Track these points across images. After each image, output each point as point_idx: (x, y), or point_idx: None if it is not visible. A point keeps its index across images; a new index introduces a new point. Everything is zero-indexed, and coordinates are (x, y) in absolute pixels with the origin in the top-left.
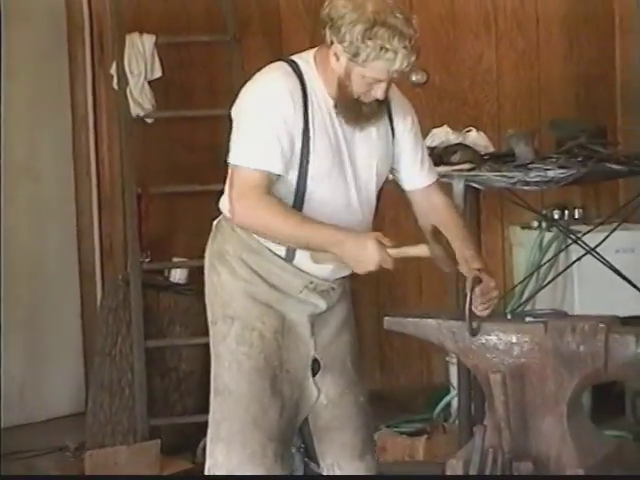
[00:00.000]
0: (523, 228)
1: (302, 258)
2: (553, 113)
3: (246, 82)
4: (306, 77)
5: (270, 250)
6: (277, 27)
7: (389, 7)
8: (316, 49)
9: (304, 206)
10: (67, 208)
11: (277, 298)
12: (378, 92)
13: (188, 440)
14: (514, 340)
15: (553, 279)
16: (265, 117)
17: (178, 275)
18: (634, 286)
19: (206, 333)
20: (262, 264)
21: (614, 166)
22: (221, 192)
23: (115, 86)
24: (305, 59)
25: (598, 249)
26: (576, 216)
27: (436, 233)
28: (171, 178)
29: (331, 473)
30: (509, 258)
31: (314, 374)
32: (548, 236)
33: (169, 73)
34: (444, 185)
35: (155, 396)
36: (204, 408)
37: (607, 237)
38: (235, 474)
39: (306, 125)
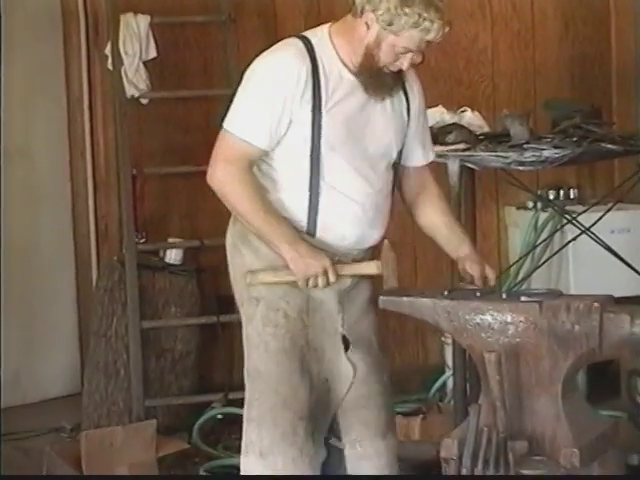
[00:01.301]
0: (518, 208)
1: (324, 232)
2: (548, 93)
3: (241, 62)
4: (318, 53)
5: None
6: (272, 8)
7: None
8: (329, 24)
9: (322, 176)
10: (62, 190)
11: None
12: (404, 62)
13: (184, 421)
14: (509, 320)
15: (548, 259)
16: (265, 93)
17: (173, 256)
18: (629, 266)
19: (201, 314)
20: None
21: (609, 146)
22: None
23: (110, 67)
24: (319, 35)
25: (593, 229)
26: (571, 196)
27: (388, 250)
28: (166, 159)
29: (353, 450)
30: (504, 238)
31: (346, 350)
32: (543, 216)
33: (164, 53)
34: (439, 165)
35: (151, 377)
36: (200, 389)
37: (602, 217)
38: (267, 453)
39: (316, 101)
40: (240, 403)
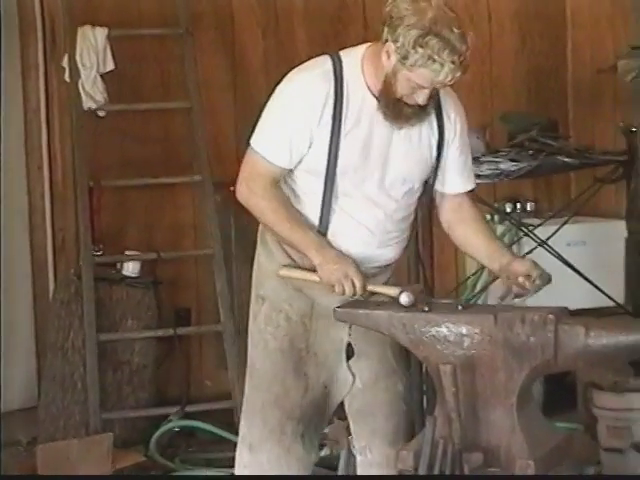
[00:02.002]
0: None
1: (333, 243)
2: (505, 107)
3: (198, 75)
4: (346, 75)
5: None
6: (229, 21)
7: (448, 19)
8: (370, 44)
9: (335, 198)
10: (19, 202)
11: (307, 283)
12: (420, 98)
13: (141, 434)
14: (464, 332)
15: None
16: (287, 115)
17: (130, 268)
18: (585, 278)
19: (158, 326)
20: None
21: (565, 159)
22: None
23: (67, 79)
24: (353, 55)
25: (550, 242)
26: (528, 209)
27: (418, 291)
28: (123, 171)
29: (362, 456)
30: (461, 252)
31: (348, 359)
32: (500, 229)
33: (121, 66)
34: None
35: (108, 390)
36: (157, 401)
37: (558, 230)
38: (256, 447)
39: (335, 123)
40: (197, 416)
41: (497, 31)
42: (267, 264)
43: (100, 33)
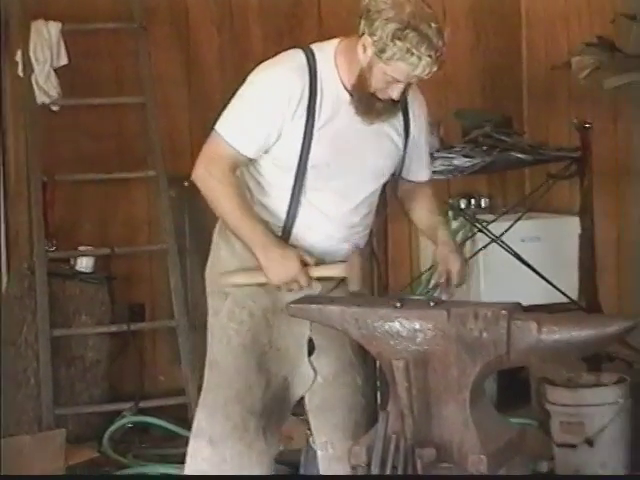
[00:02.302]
0: None
1: (295, 241)
2: (460, 103)
3: (152, 70)
4: (319, 68)
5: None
6: (184, 16)
7: (426, 14)
8: (341, 38)
9: (304, 192)
10: None
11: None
12: (394, 92)
13: (94, 429)
14: (417, 327)
15: None
16: (258, 106)
17: (84, 263)
18: (538, 274)
19: (112, 322)
20: None
21: (519, 155)
22: None
23: (20, 73)
24: (326, 49)
25: (505, 238)
26: (482, 205)
27: (355, 254)
28: (77, 166)
29: (324, 451)
30: (416, 247)
31: (309, 354)
32: (455, 225)
33: (75, 61)
34: None
35: (61, 385)
36: (110, 397)
37: (512, 226)
38: (217, 441)
39: (309, 118)
40: (151, 411)
41: (452, 28)
42: (229, 259)
43: (54, 27)
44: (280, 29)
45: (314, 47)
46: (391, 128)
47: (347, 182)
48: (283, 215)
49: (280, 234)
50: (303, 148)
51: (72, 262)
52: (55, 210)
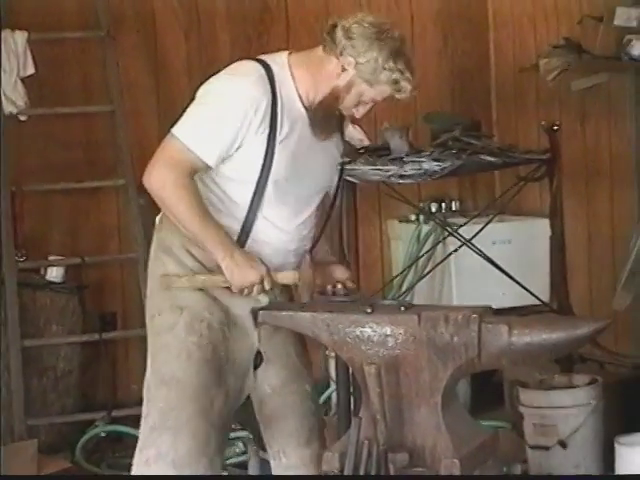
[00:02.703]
0: (401, 221)
1: (252, 250)
2: (429, 107)
3: (120, 78)
4: (278, 83)
5: None
6: (151, 23)
7: (405, 38)
8: (288, 52)
9: (261, 207)
10: None
11: (221, 291)
12: (360, 111)
13: (67, 439)
14: (388, 332)
15: (430, 271)
16: (223, 115)
17: (54, 273)
18: (509, 277)
19: (83, 331)
20: (208, 256)
21: (488, 158)
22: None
23: None
24: (279, 63)
25: (476, 241)
26: (453, 208)
27: (307, 264)
28: (46, 176)
29: (277, 460)
30: (387, 251)
31: (255, 367)
32: (426, 229)
33: (42, 70)
34: None
35: (33, 395)
36: (83, 407)
37: (482, 229)
38: (182, 464)
39: (272, 132)
40: (124, 420)
41: (419, 32)
42: (179, 272)
43: (20, 37)
44: (248, 35)
45: (266, 59)
46: (332, 143)
47: (301, 196)
48: (238, 228)
49: None
50: (265, 162)
51: (42, 272)
52: (24, 220)
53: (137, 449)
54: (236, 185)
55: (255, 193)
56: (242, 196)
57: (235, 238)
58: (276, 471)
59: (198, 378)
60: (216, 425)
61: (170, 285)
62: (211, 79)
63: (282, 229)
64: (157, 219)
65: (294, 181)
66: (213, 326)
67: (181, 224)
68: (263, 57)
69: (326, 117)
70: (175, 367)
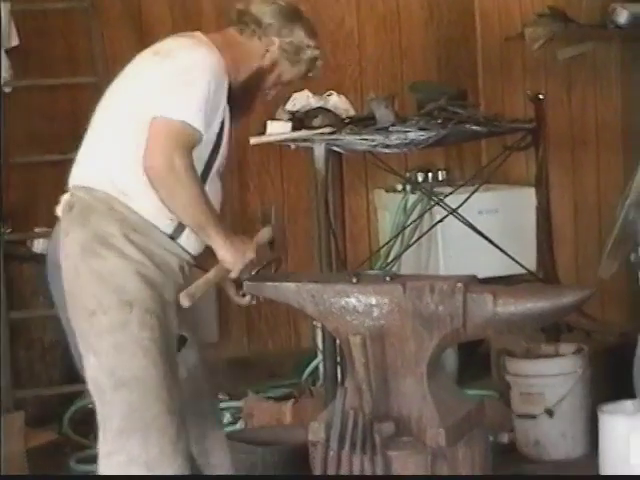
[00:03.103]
0: (387, 191)
1: (187, 239)
2: (415, 77)
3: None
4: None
5: (157, 227)
6: None
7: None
8: (198, 34)
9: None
10: None
11: (161, 280)
12: (272, 93)
13: (54, 411)
14: (373, 302)
15: (416, 241)
16: (203, 83)
17: (41, 245)
18: (496, 246)
19: None
20: (147, 243)
21: (474, 127)
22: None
23: None
24: (209, 42)
25: (463, 211)
26: (440, 178)
27: (276, 216)
28: (31, 148)
29: (199, 445)
30: (374, 221)
31: (178, 350)
32: (412, 199)
33: (27, 41)
34: (306, 150)
35: (20, 367)
36: (69, 379)
37: (468, 198)
38: (155, 464)
39: (225, 107)
40: None
41: (405, 2)
42: (123, 265)
43: (3, 8)
44: (233, 5)
45: (198, 36)
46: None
47: (221, 173)
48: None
49: (171, 230)
50: (218, 137)
51: (29, 244)
52: (10, 192)
53: (102, 453)
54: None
55: (205, 168)
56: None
57: (176, 220)
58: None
59: (157, 373)
60: (180, 417)
61: (195, 297)
62: (173, 51)
63: (216, 206)
64: (62, 210)
65: (220, 160)
66: (160, 316)
67: (184, 209)
68: (192, 34)
69: (247, 98)
70: (133, 366)
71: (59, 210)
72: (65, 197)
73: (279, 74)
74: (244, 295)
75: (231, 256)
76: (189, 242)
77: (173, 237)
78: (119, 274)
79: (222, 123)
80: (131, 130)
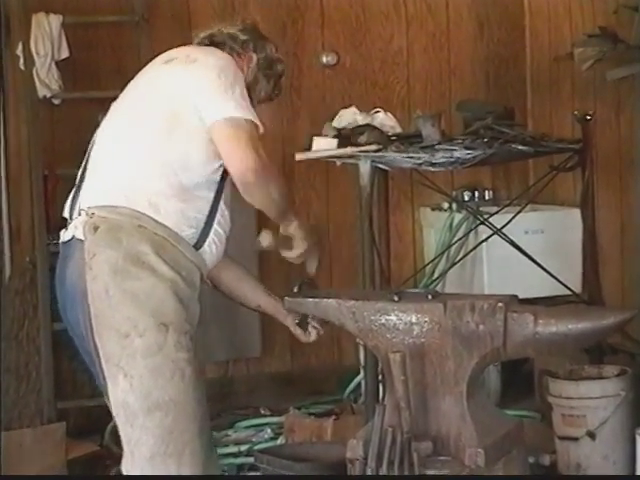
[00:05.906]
0: (433, 209)
1: (209, 248)
2: (463, 95)
3: None
4: None
5: (183, 238)
6: (185, 8)
7: None
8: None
9: (223, 197)
10: None
11: (189, 295)
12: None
13: (96, 423)
14: (414, 320)
15: (461, 259)
16: (240, 80)
17: None
18: (540, 266)
19: None
20: (177, 256)
21: (520, 147)
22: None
23: (21, 67)
24: None
25: (509, 231)
26: (486, 197)
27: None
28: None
29: None
30: (419, 239)
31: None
32: (458, 217)
33: (77, 54)
34: (351, 166)
35: (63, 378)
36: None
37: (513, 218)
38: None
39: None
40: None
41: (455, 19)
42: (158, 286)
43: (55, 20)
44: (282, 21)
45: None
46: None
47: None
48: (202, 223)
49: (195, 240)
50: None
51: None
52: (56, 203)
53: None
54: (210, 171)
55: (220, 181)
56: (212, 184)
57: (200, 231)
58: None
59: (195, 395)
60: (210, 438)
61: (270, 246)
62: (201, 61)
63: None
64: (86, 232)
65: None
66: (193, 336)
67: (277, 202)
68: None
69: None
70: (170, 390)
71: (78, 233)
72: (82, 219)
73: (259, 90)
74: (306, 329)
75: (309, 237)
76: (210, 252)
77: (196, 247)
78: (155, 295)
79: None
80: (162, 140)
